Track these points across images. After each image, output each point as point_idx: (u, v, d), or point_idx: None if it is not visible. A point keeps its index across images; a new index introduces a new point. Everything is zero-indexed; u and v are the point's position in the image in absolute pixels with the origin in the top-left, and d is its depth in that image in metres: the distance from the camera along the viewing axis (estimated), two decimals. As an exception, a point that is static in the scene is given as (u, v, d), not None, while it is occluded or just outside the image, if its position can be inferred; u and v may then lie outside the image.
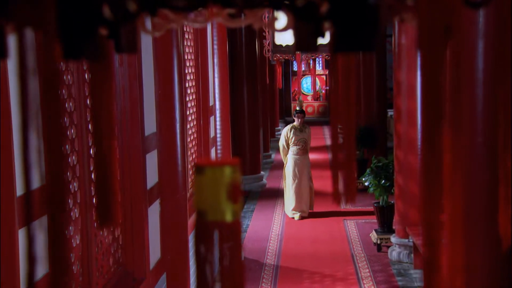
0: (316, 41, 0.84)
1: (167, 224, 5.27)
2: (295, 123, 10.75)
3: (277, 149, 19.37)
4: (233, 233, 0.70)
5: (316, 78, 25.96)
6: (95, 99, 0.77)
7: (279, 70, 12.30)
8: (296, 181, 10.59)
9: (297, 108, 11.62)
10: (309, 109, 28.38)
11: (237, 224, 0.72)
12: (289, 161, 10.74)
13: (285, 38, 9.48)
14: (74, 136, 4.03)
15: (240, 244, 0.71)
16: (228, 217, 0.72)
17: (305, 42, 0.83)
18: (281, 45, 9.45)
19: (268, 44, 9.44)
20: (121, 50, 0.78)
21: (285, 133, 10.78)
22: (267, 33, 9.47)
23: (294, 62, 27.87)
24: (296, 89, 28.52)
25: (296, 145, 10.67)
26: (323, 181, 12.34)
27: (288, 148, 10.77)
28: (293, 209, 10.57)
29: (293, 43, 0.84)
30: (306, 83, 28.09)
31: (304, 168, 10.68)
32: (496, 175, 3.89)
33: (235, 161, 0.76)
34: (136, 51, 0.85)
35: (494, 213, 4.03)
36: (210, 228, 0.70)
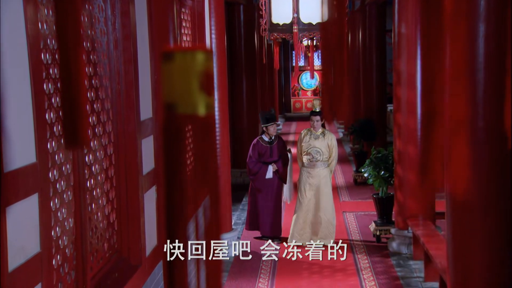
0: None
1: (164, 211, 5.20)
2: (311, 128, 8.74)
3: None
4: (207, 128, 0.62)
5: (315, 73, 25.84)
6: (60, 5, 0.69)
7: (276, 50, 12.15)
8: (303, 198, 8.63)
9: (313, 109, 9.16)
10: (309, 105, 28.29)
11: (211, 119, 0.63)
12: (300, 173, 8.75)
13: (283, 16, 9.28)
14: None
15: (215, 142, 0.63)
16: (201, 110, 0.63)
17: None
18: (278, 24, 9.26)
19: (265, 23, 9.24)
20: None
21: (299, 137, 8.85)
22: (263, 11, 9.31)
23: (293, 58, 27.77)
24: (296, 84, 28.41)
25: (307, 155, 8.64)
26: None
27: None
28: (293, 236, 8.63)
29: None
30: (306, 79, 27.99)
31: (318, 186, 8.59)
32: (497, 159, 3.80)
33: (208, 48, 0.68)
34: None
35: (495, 202, 3.93)
36: (180, 122, 0.62)
